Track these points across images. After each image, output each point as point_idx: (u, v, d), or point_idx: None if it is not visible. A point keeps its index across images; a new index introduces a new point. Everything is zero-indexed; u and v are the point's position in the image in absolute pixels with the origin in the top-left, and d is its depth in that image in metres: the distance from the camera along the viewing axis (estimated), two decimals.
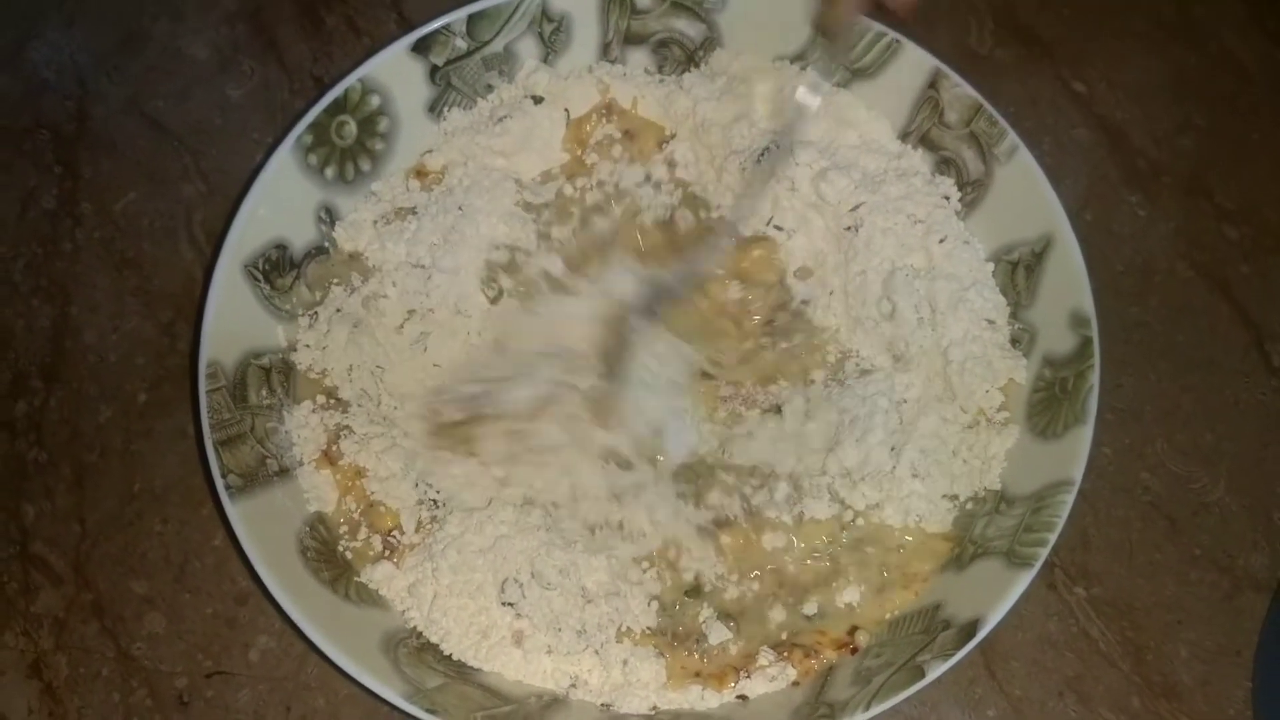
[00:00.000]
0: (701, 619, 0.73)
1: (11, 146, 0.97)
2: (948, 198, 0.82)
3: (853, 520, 0.75)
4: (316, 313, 0.81)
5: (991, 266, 0.81)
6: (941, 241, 0.79)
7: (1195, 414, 0.86)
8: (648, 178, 0.87)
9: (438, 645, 0.71)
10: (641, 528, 0.76)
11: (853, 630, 0.72)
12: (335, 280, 0.83)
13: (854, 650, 0.71)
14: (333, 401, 0.79)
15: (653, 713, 0.70)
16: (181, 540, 0.82)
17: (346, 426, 0.77)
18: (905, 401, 0.77)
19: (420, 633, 0.72)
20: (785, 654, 0.72)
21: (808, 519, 0.75)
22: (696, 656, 0.72)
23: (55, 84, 1.01)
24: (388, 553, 0.75)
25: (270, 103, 0.99)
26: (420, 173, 0.87)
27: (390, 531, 0.75)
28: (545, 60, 0.89)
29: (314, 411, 0.78)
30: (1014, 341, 0.79)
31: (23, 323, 0.90)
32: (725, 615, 0.73)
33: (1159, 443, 0.85)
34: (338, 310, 0.81)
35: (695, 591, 0.74)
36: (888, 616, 0.73)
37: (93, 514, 0.83)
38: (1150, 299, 0.90)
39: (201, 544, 0.82)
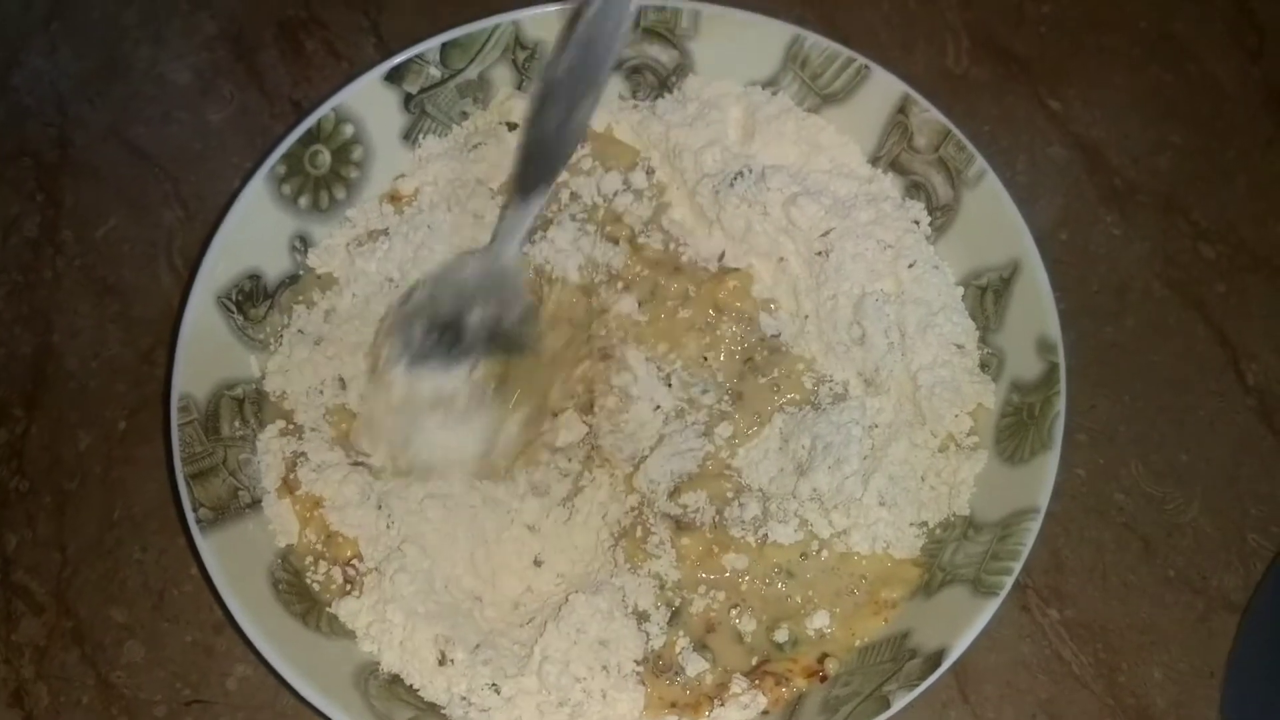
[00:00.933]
0: (679, 649, 0.73)
1: None
2: (917, 222, 0.83)
3: (817, 551, 0.75)
4: (282, 335, 0.82)
5: (961, 291, 0.81)
6: (911, 266, 0.80)
7: (1169, 434, 0.86)
8: (626, 184, 0.87)
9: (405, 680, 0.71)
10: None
11: (823, 658, 0.73)
12: (299, 300, 0.84)
13: (824, 678, 0.72)
14: (291, 426, 0.79)
15: None
16: (160, 568, 0.82)
17: (303, 454, 0.77)
18: (876, 426, 0.78)
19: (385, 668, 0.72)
20: (757, 682, 0.72)
21: (770, 542, 0.75)
22: (676, 687, 0.73)
23: (37, 110, 1.01)
24: (349, 586, 0.75)
25: (250, 127, 0.99)
26: (394, 197, 0.87)
27: (350, 561, 0.75)
28: (519, 87, 0.89)
29: (275, 437, 0.78)
30: (983, 366, 0.79)
31: (4, 350, 0.91)
32: (701, 646, 0.74)
33: (1133, 464, 0.85)
34: (299, 331, 0.82)
35: (675, 616, 0.75)
36: (858, 643, 0.73)
37: (73, 541, 0.84)
38: (1125, 318, 0.90)
39: (180, 572, 0.82)
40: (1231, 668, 0.78)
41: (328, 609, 0.74)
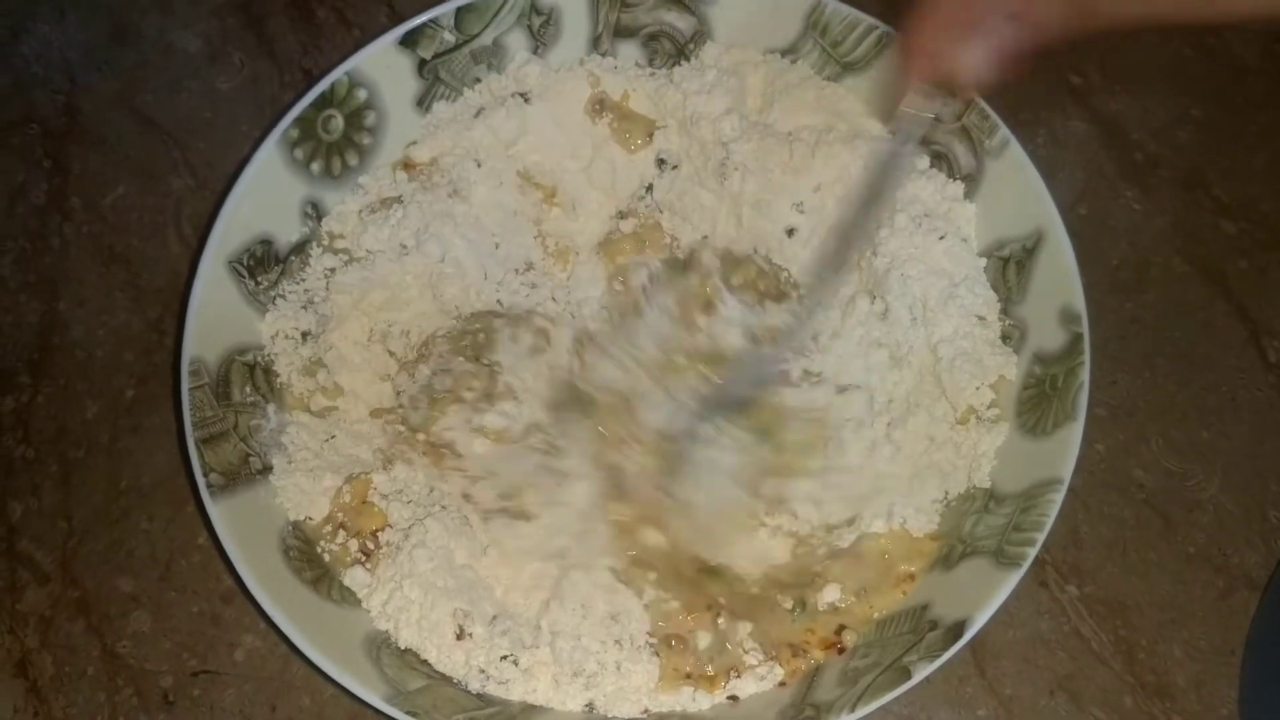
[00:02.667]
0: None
1: (0, 141, 0.97)
2: (942, 193, 0.81)
3: (829, 531, 0.75)
4: (283, 295, 0.81)
5: (984, 262, 0.80)
6: (942, 239, 0.79)
7: (1190, 410, 0.85)
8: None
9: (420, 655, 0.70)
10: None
11: (840, 630, 0.72)
12: (303, 266, 0.83)
13: (841, 650, 0.71)
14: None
15: (644, 715, 0.69)
16: (168, 538, 0.82)
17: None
18: (893, 401, 0.77)
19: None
20: (773, 653, 0.71)
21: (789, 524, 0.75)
22: (690, 658, 0.72)
23: (45, 78, 1.00)
24: (363, 557, 0.74)
25: (260, 96, 0.98)
26: (407, 165, 0.86)
27: (375, 533, 0.74)
28: (535, 53, 0.88)
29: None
30: (1004, 338, 0.78)
31: (10, 318, 0.90)
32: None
33: (1153, 440, 0.84)
34: (305, 291, 0.82)
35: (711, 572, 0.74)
36: (876, 616, 0.72)
37: (79, 511, 0.83)
38: (1146, 294, 0.89)
39: (187, 541, 0.81)
40: (1249, 645, 0.77)
41: (339, 578, 0.73)
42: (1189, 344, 0.87)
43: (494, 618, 0.71)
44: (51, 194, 0.95)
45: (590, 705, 0.69)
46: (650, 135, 0.86)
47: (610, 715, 0.69)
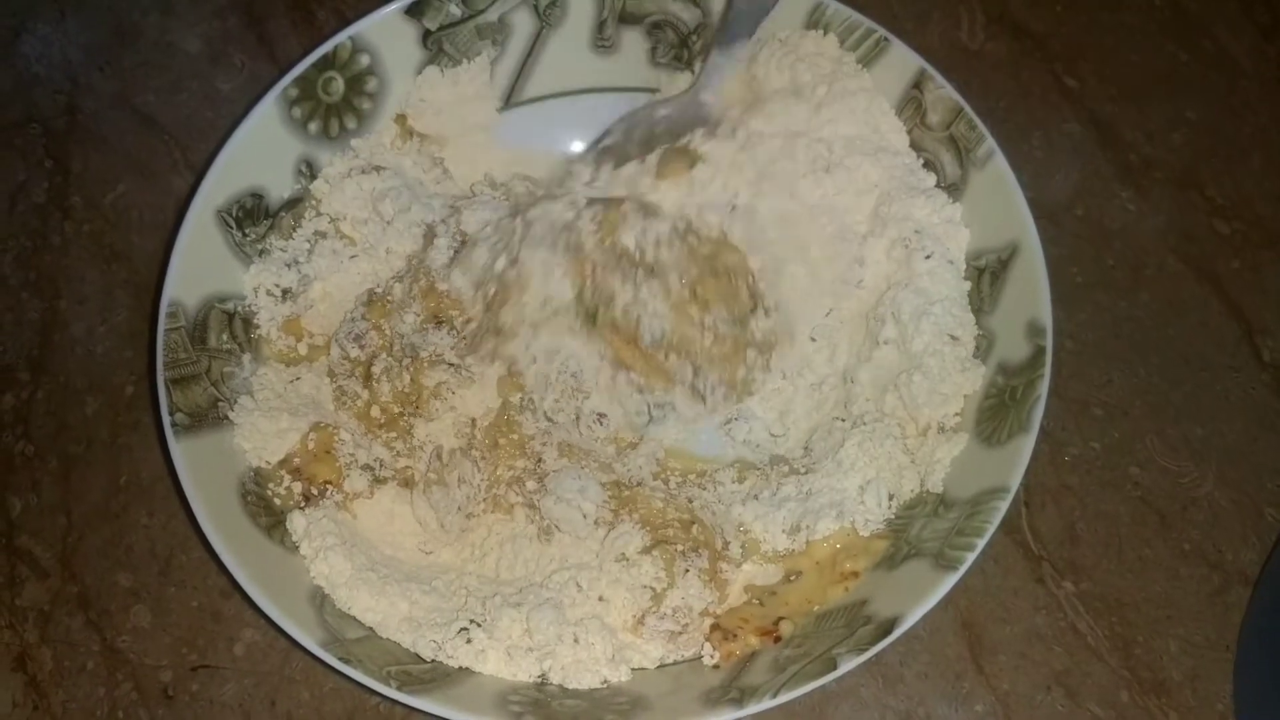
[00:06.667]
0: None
1: (2, 140, 0.97)
2: (939, 213, 0.81)
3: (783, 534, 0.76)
4: (269, 250, 0.82)
5: (968, 285, 0.79)
6: (928, 257, 0.79)
7: (1185, 409, 0.85)
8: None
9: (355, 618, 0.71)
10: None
11: (778, 621, 0.72)
12: (293, 226, 0.84)
13: (777, 639, 0.71)
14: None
15: (604, 686, 0.69)
16: (167, 533, 0.82)
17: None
18: (858, 418, 0.78)
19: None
20: (707, 635, 0.72)
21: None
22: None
23: (46, 78, 1.01)
24: (303, 501, 0.74)
25: (260, 96, 0.99)
26: (400, 120, 0.88)
27: (326, 483, 0.75)
28: (539, 35, 0.88)
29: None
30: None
31: (11, 315, 0.90)
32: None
33: (1148, 437, 0.84)
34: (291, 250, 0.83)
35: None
36: (816, 610, 0.72)
37: (79, 506, 0.83)
38: (1140, 293, 0.89)
39: (187, 537, 0.81)
40: (1243, 640, 0.77)
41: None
42: (1184, 343, 0.88)
43: (434, 588, 0.72)
44: (52, 192, 0.95)
45: (544, 677, 0.69)
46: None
47: (568, 685, 0.69)
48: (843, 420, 0.78)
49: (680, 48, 0.89)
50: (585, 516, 0.73)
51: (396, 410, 0.77)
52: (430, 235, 0.82)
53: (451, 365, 0.77)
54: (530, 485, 0.75)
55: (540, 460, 0.76)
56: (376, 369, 0.78)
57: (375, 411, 0.78)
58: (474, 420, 0.77)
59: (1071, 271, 0.90)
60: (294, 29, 1.02)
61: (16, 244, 0.93)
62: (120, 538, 0.82)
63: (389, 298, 0.80)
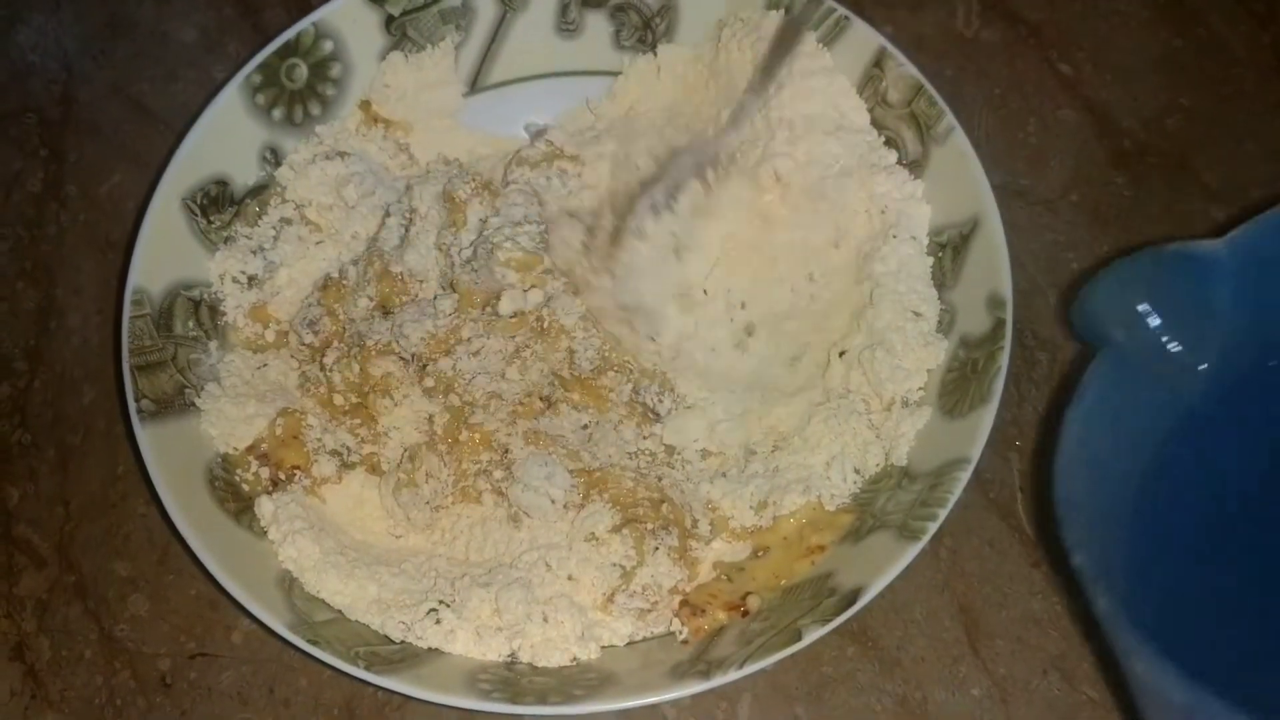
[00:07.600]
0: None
1: None
2: (900, 190, 0.82)
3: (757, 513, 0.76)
4: (234, 237, 0.83)
5: (931, 261, 0.80)
6: (894, 237, 0.79)
7: None
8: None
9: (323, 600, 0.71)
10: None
11: (745, 595, 0.72)
12: (259, 213, 0.84)
13: (745, 613, 0.72)
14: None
15: (573, 664, 0.70)
16: (165, 523, 0.82)
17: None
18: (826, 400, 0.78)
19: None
20: (675, 610, 0.72)
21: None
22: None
23: (41, 67, 1.01)
24: (271, 487, 0.75)
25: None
26: (365, 106, 0.88)
27: (294, 468, 0.75)
28: (503, 19, 0.88)
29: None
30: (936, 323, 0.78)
31: (7, 305, 0.90)
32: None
33: None
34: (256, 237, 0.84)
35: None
36: (783, 584, 0.73)
37: (76, 496, 0.83)
38: None
39: None
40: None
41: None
42: None
43: (403, 570, 0.72)
44: (48, 182, 0.95)
45: (513, 656, 0.69)
46: None
47: (537, 664, 0.69)
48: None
49: (644, 30, 0.89)
50: (554, 502, 0.73)
51: (354, 399, 0.78)
52: (385, 216, 0.83)
53: (401, 359, 0.77)
54: (498, 475, 0.75)
55: (507, 451, 0.76)
56: (329, 358, 0.78)
57: (339, 399, 0.78)
58: (431, 416, 0.77)
59: (1068, 258, 0.90)
60: (290, 18, 1.00)
61: (12, 234, 0.93)
62: (118, 527, 0.82)
63: (344, 281, 0.80)
